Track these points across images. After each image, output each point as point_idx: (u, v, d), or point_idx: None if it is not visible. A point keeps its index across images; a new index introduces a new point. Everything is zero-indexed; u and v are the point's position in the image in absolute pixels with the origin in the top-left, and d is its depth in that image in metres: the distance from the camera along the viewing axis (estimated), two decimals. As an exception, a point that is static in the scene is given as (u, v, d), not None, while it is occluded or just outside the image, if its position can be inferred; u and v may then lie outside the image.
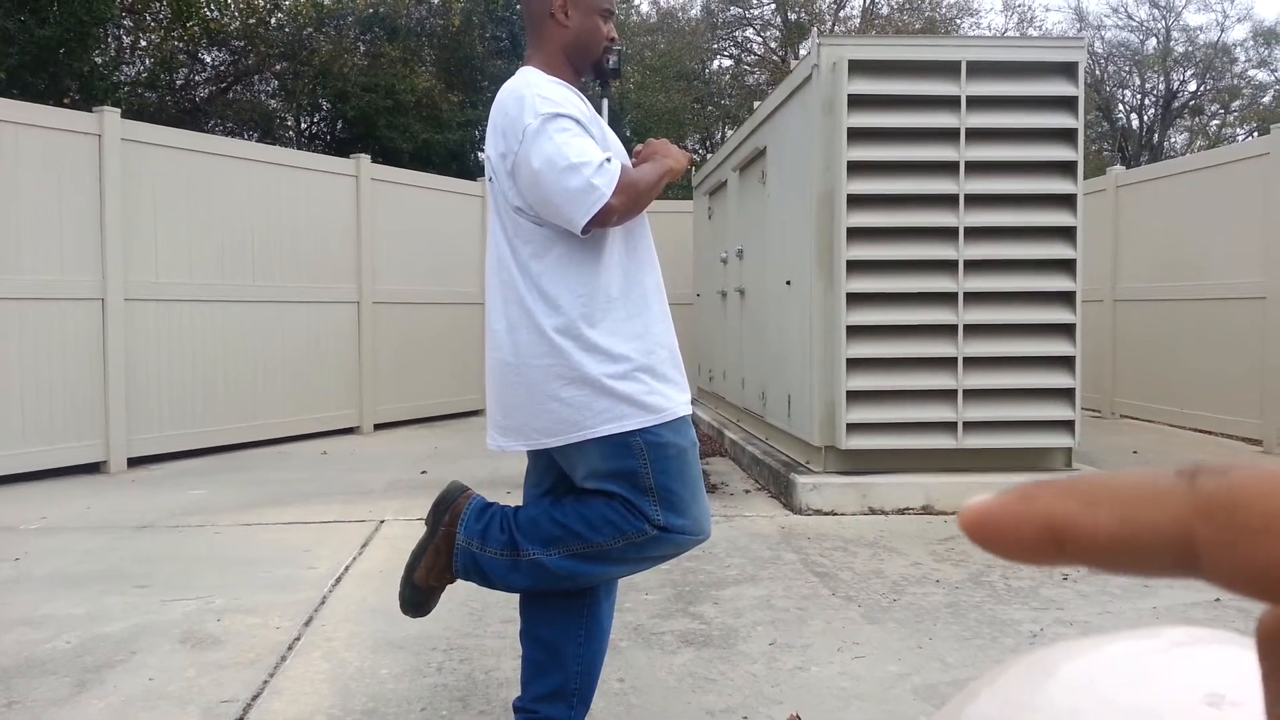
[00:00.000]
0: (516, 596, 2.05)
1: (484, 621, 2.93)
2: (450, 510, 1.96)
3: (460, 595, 3.02)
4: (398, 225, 7.75)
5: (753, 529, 4.16)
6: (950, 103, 4.41)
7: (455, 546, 1.94)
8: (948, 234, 4.45)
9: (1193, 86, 23.35)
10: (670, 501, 1.85)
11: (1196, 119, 24.20)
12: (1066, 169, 4.50)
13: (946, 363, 4.47)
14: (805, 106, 4.73)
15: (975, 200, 4.44)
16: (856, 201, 4.44)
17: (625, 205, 1.80)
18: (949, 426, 4.46)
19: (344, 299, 7.30)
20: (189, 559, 3.70)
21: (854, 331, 4.46)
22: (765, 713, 2.29)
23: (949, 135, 4.41)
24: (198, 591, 3.28)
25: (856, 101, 4.41)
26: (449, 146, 11.94)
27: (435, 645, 2.75)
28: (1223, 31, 28.33)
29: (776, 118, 5.39)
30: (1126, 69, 23.80)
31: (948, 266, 4.46)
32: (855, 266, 4.46)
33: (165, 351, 6.07)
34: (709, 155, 16.16)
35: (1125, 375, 7.73)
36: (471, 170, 11.87)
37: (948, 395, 4.46)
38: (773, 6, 21.08)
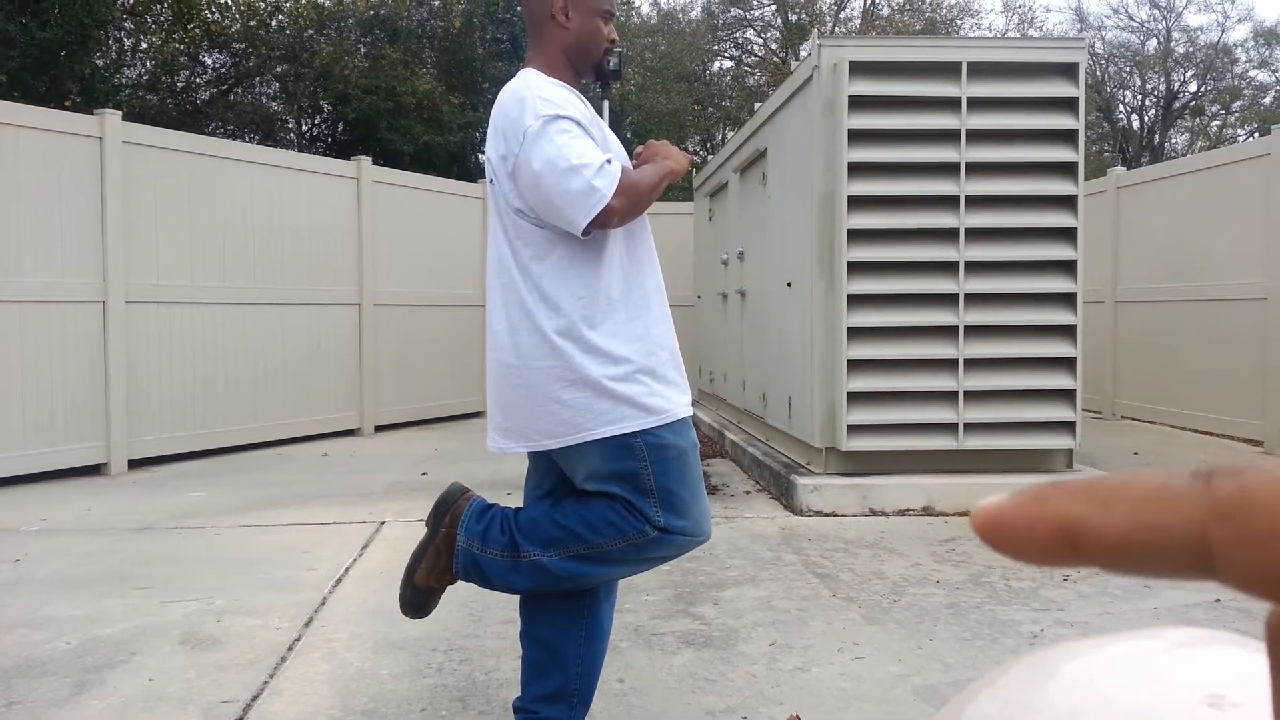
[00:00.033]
0: (516, 598, 2.05)
1: (484, 622, 2.93)
2: (451, 512, 1.96)
3: (460, 596, 3.02)
4: (399, 227, 7.76)
5: (753, 530, 4.15)
6: (951, 104, 4.41)
7: (456, 548, 1.94)
8: (948, 235, 4.45)
9: (1193, 87, 23.37)
10: (671, 503, 1.85)
11: (1197, 120, 24.21)
12: (1067, 170, 4.50)
13: (947, 364, 4.46)
14: (806, 108, 4.73)
15: (976, 201, 4.44)
16: (857, 203, 4.44)
17: (626, 207, 1.80)
18: (950, 428, 4.46)
19: (345, 301, 7.30)
20: (189, 560, 3.70)
21: (855, 333, 4.46)
22: (765, 713, 2.29)
23: (950, 136, 4.42)
24: (198, 593, 3.28)
25: (857, 103, 4.41)
26: (450, 149, 11.95)
27: (435, 646, 2.75)
28: (1223, 32, 28.31)
29: (777, 119, 5.39)
30: (1127, 70, 23.81)
31: (948, 268, 4.46)
32: (856, 268, 4.45)
33: (166, 353, 6.07)
34: (709, 157, 16.16)
35: (1126, 376, 7.73)
36: (472, 172, 11.88)
37: (948, 396, 4.46)
38: (773, 8, 21.09)
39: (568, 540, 1.86)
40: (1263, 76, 23.58)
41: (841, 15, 21.19)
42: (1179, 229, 7.05)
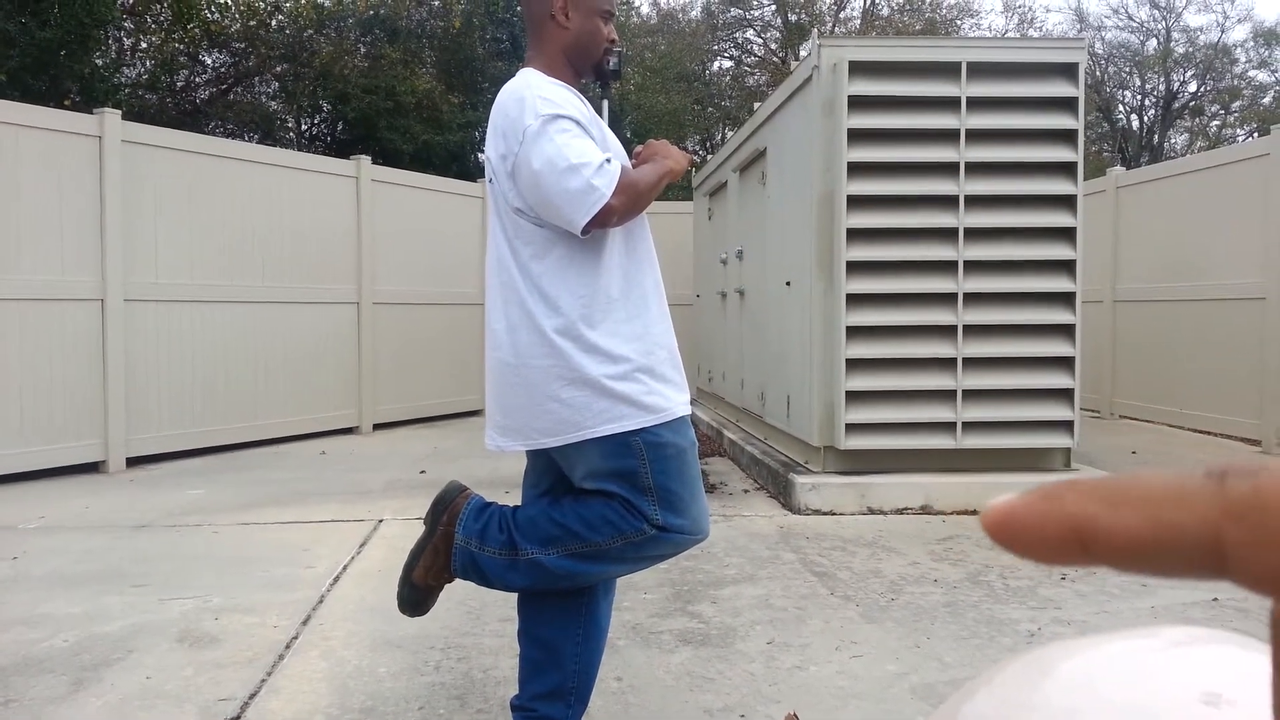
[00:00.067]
0: (514, 596, 2.05)
1: (482, 620, 2.93)
2: (449, 510, 1.96)
3: (458, 594, 3.02)
4: (398, 226, 7.76)
5: (751, 529, 4.16)
6: (950, 104, 4.41)
7: (454, 546, 1.94)
8: (948, 235, 4.45)
9: (1193, 87, 23.37)
10: (669, 501, 1.85)
11: (1197, 120, 24.22)
12: (1067, 170, 4.50)
13: (946, 363, 4.47)
14: (805, 108, 4.73)
15: (975, 201, 4.44)
16: (856, 202, 4.44)
17: (625, 206, 1.80)
18: (948, 427, 4.46)
19: (344, 300, 7.30)
20: (187, 558, 3.70)
21: (853, 332, 4.46)
22: (763, 711, 2.29)
23: (949, 136, 4.42)
24: (195, 591, 3.28)
25: (857, 102, 4.41)
26: (449, 148, 11.94)
27: (433, 644, 2.75)
28: (1223, 32, 28.31)
29: (777, 119, 5.39)
30: (1127, 70, 23.82)
31: (948, 267, 4.46)
32: (855, 267, 4.46)
33: (165, 352, 6.07)
34: (709, 156, 16.17)
35: (1124, 376, 7.74)
36: (472, 171, 11.87)
37: (947, 395, 4.46)
38: (773, 8, 21.09)
39: (566, 538, 1.86)
40: (1262, 77, 23.61)
41: (841, 15, 21.18)
42: (1178, 229, 7.05)
